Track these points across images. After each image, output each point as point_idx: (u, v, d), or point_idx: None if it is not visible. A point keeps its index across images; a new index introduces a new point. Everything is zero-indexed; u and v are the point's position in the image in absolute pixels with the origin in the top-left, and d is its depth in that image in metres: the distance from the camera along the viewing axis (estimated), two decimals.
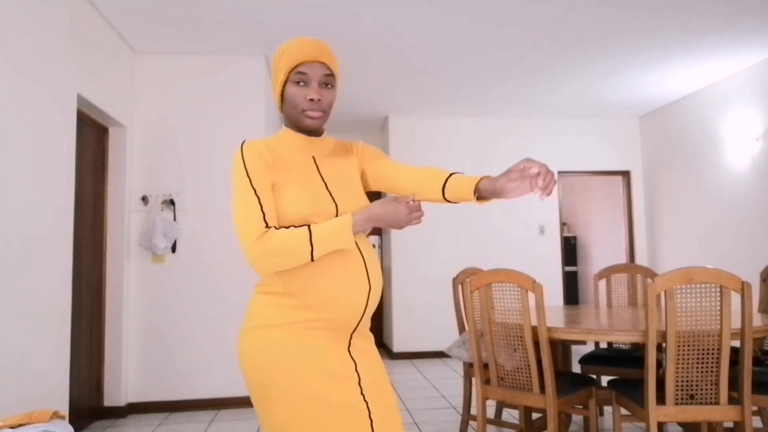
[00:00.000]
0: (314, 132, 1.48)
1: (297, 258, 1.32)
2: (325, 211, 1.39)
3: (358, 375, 1.37)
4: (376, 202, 1.39)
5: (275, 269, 1.35)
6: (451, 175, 1.48)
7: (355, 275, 1.38)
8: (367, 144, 1.64)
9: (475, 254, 6.23)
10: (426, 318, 6.09)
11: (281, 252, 1.31)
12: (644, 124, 6.53)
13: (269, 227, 1.33)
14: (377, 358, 1.46)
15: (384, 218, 1.37)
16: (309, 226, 1.33)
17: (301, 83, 1.40)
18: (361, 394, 1.35)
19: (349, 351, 1.39)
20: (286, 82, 1.41)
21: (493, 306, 2.61)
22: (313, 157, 1.48)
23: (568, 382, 2.65)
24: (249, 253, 1.33)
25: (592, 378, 2.79)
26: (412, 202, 1.36)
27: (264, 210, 1.34)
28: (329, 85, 1.43)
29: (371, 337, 1.50)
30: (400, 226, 1.38)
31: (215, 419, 3.89)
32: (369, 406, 1.35)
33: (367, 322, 1.45)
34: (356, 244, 1.39)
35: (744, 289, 2.16)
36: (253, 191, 1.35)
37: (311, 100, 1.40)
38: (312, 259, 1.32)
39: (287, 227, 1.34)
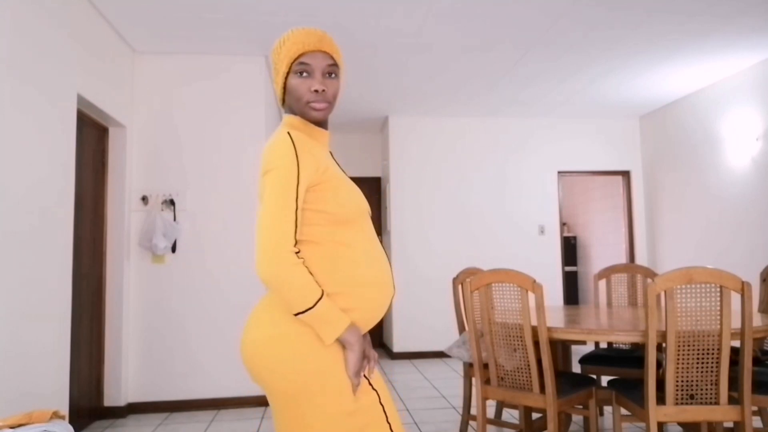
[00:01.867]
0: (320, 124, 1.44)
1: (290, 301, 1.26)
2: (368, 205, 1.44)
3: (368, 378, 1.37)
4: (364, 341, 1.36)
5: (273, 287, 1.28)
6: None
7: (387, 279, 1.39)
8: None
9: (475, 254, 6.23)
10: (426, 318, 6.08)
11: (290, 286, 1.25)
12: (644, 124, 6.53)
13: (297, 251, 1.28)
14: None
15: (356, 355, 1.30)
16: (323, 296, 1.27)
17: (304, 74, 1.35)
18: (375, 391, 1.35)
19: None
20: (288, 73, 1.36)
21: (493, 306, 2.61)
22: (330, 152, 1.49)
23: (568, 382, 2.65)
24: (266, 263, 1.26)
25: (592, 378, 2.79)
26: (360, 379, 1.32)
27: (297, 227, 1.28)
28: (333, 75, 1.38)
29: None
30: (356, 369, 1.30)
31: (215, 419, 3.89)
32: (384, 407, 1.35)
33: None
34: (384, 249, 1.44)
35: (744, 289, 2.16)
36: (295, 199, 1.28)
37: (315, 91, 1.34)
38: (296, 315, 1.26)
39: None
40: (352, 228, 1.36)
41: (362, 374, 1.32)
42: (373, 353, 1.40)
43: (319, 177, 1.33)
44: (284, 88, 1.39)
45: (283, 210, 1.27)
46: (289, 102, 1.40)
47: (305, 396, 1.27)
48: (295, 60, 1.34)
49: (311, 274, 1.28)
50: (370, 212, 1.45)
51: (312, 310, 1.25)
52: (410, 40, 4.17)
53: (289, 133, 1.32)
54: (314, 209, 1.33)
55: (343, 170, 1.46)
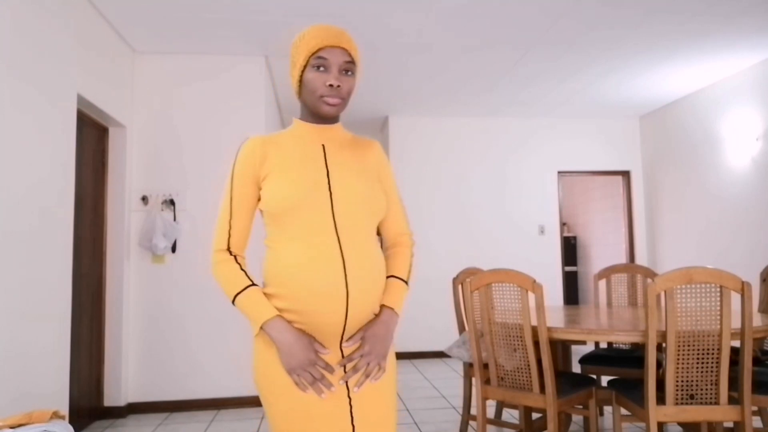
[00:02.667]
0: (330, 120, 1.43)
1: (225, 294, 1.38)
2: (315, 200, 1.33)
3: (347, 384, 1.33)
4: (293, 335, 1.30)
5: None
6: (393, 276, 1.46)
7: (329, 279, 1.30)
8: (385, 155, 1.55)
9: (475, 254, 6.23)
10: (426, 318, 6.08)
11: (218, 282, 1.40)
12: (644, 124, 6.53)
13: (230, 250, 1.40)
14: (381, 401, 1.38)
15: (282, 349, 1.29)
16: (245, 289, 1.34)
17: (321, 68, 1.35)
18: (348, 399, 1.33)
19: (343, 356, 1.35)
20: (305, 67, 1.36)
21: (493, 306, 2.61)
22: (323, 145, 1.42)
23: (568, 382, 2.65)
24: (210, 257, 1.43)
25: (592, 378, 2.79)
26: (324, 365, 1.29)
27: (231, 230, 1.40)
28: (349, 72, 1.37)
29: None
30: (289, 365, 1.29)
31: (215, 419, 3.89)
32: (353, 412, 1.32)
33: (366, 319, 1.37)
34: (339, 244, 1.31)
35: (744, 289, 2.16)
36: (230, 201, 1.39)
37: (330, 85, 1.34)
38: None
39: (243, 257, 1.42)
40: (281, 223, 1.35)
41: (306, 371, 1.28)
42: (315, 358, 1.30)
43: (264, 170, 1.37)
44: (300, 81, 1.39)
45: (220, 213, 1.42)
46: (303, 95, 1.41)
47: (261, 397, 1.37)
48: (313, 54, 1.35)
49: (243, 270, 1.38)
50: (322, 203, 1.34)
51: (234, 303, 1.35)
52: (410, 40, 4.17)
53: (248, 137, 1.42)
54: (262, 207, 1.40)
55: (327, 164, 1.39)
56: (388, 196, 1.50)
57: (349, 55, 1.37)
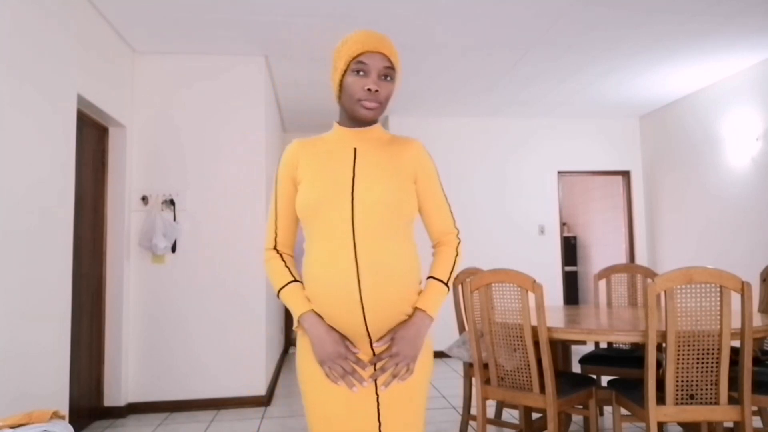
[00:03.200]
0: (367, 123, 1.45)
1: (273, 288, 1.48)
2: (336, 204, 1.36)
3: (376, 383, 1.37)
4: (324, 329, 1.36)
5: None
6: (431, 278, 1.47)
7: (342, 284, 1.34)
8: (425, 153, 1.51)
9: (475, 254, 6.22)
10: None
11: (268, 276, 1.51)
12: (644, 124, 6.53)
13: (277, 248, 1.49)
14: (408, 397, 1.39)
15: (314, 341, 1.37)
16: (287, 285, 1.42)
17: (361, 73, 1.37)
18: (376, 397, 1.36)
19: (374, 355, 1.39)
20: (345, 71, 1.39)
21: (493, 306, 2.61)
22: (355, 149, 1.44)
23: (568, 382, 2.65)
24: (262, 255, 1.55)
25: (592, 378, 2.79)
26: (355, 360, 1.36)
27: (277, 230, 1.49)
28: (388, 78, 1.40)
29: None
30: (320, 357, 1.36)
31: (215, 419, 3.89)
32: (380, 410, 1.36)
33: (390, 324, 1.38)
34: (354, 249, 1.33)
35: (744, 289, 2.16)
36: (275, 203, 1.50)
37: (369, 90, 1.37)
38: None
39: (290, 255, 1.51)
40: (308, 225, 1.42)
41: (337, 364, 1.34)
42: (345, 352, 1.36)
43: (299, 175, 1.45)
44: (341, 85, 1.42)
45: (269, 214, 1.53)
46: (343, 99, 1.44)
47: (299, 383, 1.47)
48: (353, 59, 1.37)
49: (287, 267, 1.47)
50: (342, 206, 1.37)
51: (279, 296, 1.44)
52: (410, 40, 4.17)
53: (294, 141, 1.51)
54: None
55: (355, 168, 1.42)
56: (429, 195, 1.49)
57: (389, 60, 1.39)
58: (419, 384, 1.42)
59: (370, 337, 1.37)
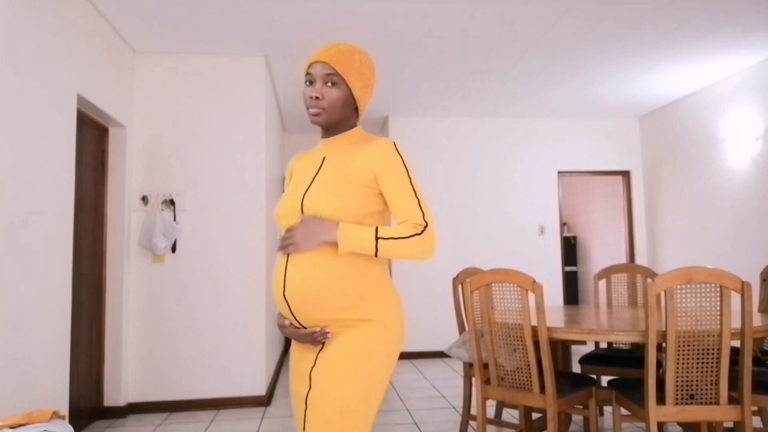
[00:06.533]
0: (331, 131, 1.55)
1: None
2: (288, 212, 1.50)
3: (310, 376, 1.45)
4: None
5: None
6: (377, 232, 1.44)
7: (276, 292, 1.48)
8: (387, 150, 1.47)
9: (475, 254, 6.23)
10: (426, 318, 6.08)
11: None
12: (644, 124, 6.53)
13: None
14: (334, 353, 1.42)
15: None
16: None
17: (308, 83, 1.51)
18: (309, 384, 1.45)
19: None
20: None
21: (493, 306, 2.61)
22: (324, 158, 1.55)
23: (568, 382, 2.65)
24: None
25: (592, 378, 2.79)
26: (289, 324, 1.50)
27: None
28: (329, 84, 1.47)
29: (345, 333, 1.44)
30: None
31: (215, 419, 3.89)
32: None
33: (318, 322, 1.43)
34: (286, 257, 1.46)
35: (744, 289, 2.16)
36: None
37: (311, 97, 1.48)
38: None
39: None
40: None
41: (283, 327, 1.51)
42: (282, 321, 1.52)
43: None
44: None
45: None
46: None
47: None
48: (306, 72, 1.53)
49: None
50: (293, 217, 1.47)
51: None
52: (410, 40, 4.17)
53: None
54: None
55: (315, 176, 1.53)
56: (391, 189, 1.44)
57: (330, 67, 1.46)
58: (354, 355, 1.41)
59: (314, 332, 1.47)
